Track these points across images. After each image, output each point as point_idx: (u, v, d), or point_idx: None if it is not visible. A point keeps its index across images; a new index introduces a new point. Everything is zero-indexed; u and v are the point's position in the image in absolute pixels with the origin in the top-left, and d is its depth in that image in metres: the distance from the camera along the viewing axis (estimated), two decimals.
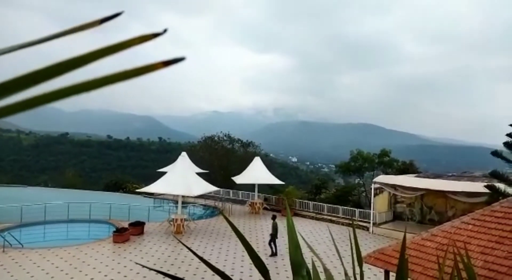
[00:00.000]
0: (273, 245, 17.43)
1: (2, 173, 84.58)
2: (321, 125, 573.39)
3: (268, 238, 18.43)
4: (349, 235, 2.36)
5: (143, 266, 1.74)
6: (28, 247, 17.43)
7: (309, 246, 2.21)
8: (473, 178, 22.70)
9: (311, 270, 1.76)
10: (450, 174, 25.90)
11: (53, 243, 18.49)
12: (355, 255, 1.92)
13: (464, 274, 1.74)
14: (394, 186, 23.42)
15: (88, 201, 24.23)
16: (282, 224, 24.03)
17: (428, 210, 23.79)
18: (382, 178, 24.67)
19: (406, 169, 31.05)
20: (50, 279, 13.56)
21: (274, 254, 17.26)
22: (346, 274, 1.96)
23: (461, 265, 1.82)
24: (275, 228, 17.71)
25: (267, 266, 1.48)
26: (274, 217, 18.77)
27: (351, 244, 2.09)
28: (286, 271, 14.88)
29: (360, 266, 1.86)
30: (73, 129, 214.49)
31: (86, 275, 14.11)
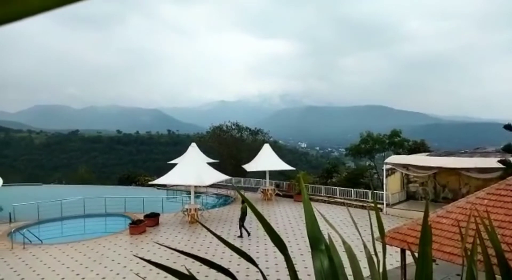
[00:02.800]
0: (243, 228, 18.48)
1: (16, 173, 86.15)
2: (329, 109, 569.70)
3: (285, 223, 18.60)
4: (366, 216, 2.34)
5: (168, 247, 1.76)
6: (48, 243, 17.82)
7: (326, 221, 2.20)
8: (486, 154, 22.42)
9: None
10: (463, 151, 25.61)
11: (71, 238, 18.86)
12: (375, 228, 1.89)
13: (487, 243, 1.70)
14: (406, 166, 23.25)
15: (103, 196, 24.56)
16: (296, 209, 24.22)
17: (442, 188, 23.63)
18: (393, 159, 24.51)
19: (417, 148, 30.78)
20: (70, 273, 13.86)
21: (243, 235, 18.31)
22: (365, 246, 1.95)
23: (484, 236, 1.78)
24: (243, 212, 18.66)
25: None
26: (243, 202, 19.66)
27: (370, 223, 2.07)
28: (302, 255, 14.97)
29: (382, 236, 1.83)
30: (82, 126, 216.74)
31: (105, 267, 14.39)
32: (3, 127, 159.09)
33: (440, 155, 24.27)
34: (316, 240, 1.70)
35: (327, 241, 1.76)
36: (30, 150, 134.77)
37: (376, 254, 1.87)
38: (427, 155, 24.89)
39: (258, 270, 1.56)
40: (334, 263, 1.67)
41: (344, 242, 1.98)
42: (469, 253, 1.67)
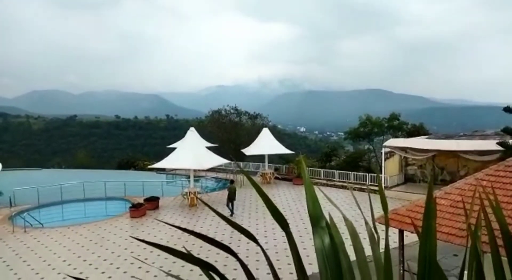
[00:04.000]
0: (230, 207, 19.38)
1: (15, 158, 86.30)
2: (328, 93, 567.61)
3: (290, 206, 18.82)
4: (365, 198, 2.31)
5: (171, 225, 1.73)
6: (49, 227, 17.93)
7: (327, 197, 2.17)
8: (485, 137, 22.41)
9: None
10: (462, 134, 25.61)
11: (72, 221, 19.03)
12: (375, 209, 1.86)
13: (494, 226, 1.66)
14: (404, 149, 23.30)
15: (102, 180, 24.62)
16: (295, 192, 24.36)
17: (440, 170, 23.72)
18: (392, 142, 24.53)
19: (416, 132, 30.77)
20: (72, 255, 14.00)
21: (231, 214, 19.14)
22: (366, 223, 1.92)
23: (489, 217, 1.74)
24: (231, 192, 19.41)
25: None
26: (232, 182, 20.61)
27: (370, 204, 2.04)
28: (300, 236, 15.11)
29: (385, 212, 1.81)
30: (81, 111, 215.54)
31: (106, 249, 14.54)
32: (1, 112, 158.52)
33: (439, 138, 24.28)
34: (317, 218, 1.67)
35: (328, 219, 1.74)
36: (29, 136, 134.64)
37: (376, 232, 1.85)
38: (426, 138, 24.89)
39: (259, 247, 1.53)
40: (335, 241, 1.65)
41: (345, 219, 1.95)
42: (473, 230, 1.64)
